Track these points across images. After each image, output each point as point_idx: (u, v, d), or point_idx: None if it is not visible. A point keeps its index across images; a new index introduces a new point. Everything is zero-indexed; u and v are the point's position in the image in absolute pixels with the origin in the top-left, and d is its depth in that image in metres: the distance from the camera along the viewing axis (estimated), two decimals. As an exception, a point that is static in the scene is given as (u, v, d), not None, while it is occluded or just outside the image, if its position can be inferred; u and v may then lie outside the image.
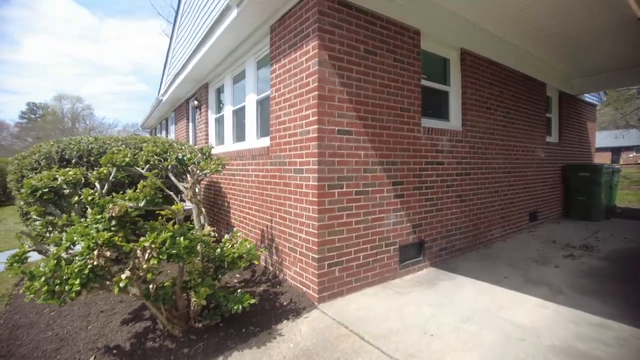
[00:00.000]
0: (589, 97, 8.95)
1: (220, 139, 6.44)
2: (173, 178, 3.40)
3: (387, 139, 3.78)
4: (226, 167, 5.54)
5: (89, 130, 47.79)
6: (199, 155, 3.68)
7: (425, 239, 4.28)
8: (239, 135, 5.54)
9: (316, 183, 3.24)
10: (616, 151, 41.23)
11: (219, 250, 2.80)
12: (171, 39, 9.14)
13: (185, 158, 3.39)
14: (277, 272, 4.05)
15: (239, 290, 2.77)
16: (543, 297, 3.32)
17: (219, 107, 6.66)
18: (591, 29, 5.20)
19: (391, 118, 3.81)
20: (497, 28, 5.04)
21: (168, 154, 3.56)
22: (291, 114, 3.64)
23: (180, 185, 3.32)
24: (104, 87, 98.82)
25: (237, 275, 4.20)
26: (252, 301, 2.65)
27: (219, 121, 6.57)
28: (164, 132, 12.60)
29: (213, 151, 6.16)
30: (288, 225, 3.77)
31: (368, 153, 3.60)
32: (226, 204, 5.74)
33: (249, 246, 2.87)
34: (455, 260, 4.60)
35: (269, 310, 3.22)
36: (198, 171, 3.34)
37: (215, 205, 6.33)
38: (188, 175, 3.35)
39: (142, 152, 3.63)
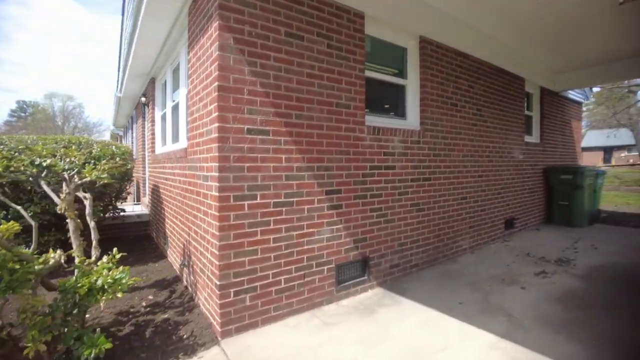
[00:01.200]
0: (573, 95, 8.40)
1: (163, 139, 5.83)
2: (45, 187, 2.80)
3: (319, 140, 3.18)
4: (164, 170, 4.95)
5: (72, 129, 46.97)
6: (77, 159, 3.08)
7: (371, 255, 3.69)
8: (175, 135, 4.93)
9: (217, 194, 2.64)
10: (608, 150, 40.96)
11: (72, 280, 2.19)
12: (122, 28, 8.46)
13: (43, 164, 2.79)
14: (194, 294, 3.45)
15: (97, 329, 2.18)
16: (497, 333, 2.74)
17: (165, 103, 6.04)
18: (572, 18, 4.65)
19: (324, 115, 3.21)
20: (465, 15, 4.47)
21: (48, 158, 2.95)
22: (200, 109, 3.04)
23: (54, 195, 2.72)
24: (98, 86, 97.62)
25: (150, 297, 3.60)
26: (107, 346, 2.05)
27: (164, 119, 5.96)
28: (129, 132, 11.95)
29: (160, 151, 5.55)
30: (199, 241, 3.18)
31: (292, 157, 3.00)
32: (162, 211, 5.13)
33: (118, 275, 2.26)
34: (409, 279, 4.02)
35: (157, 346, 2.62)
36: (77, 179, 2.74)
37: (156, 212, 5.73)
38: (64, 184, 2.75)
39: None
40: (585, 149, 47.03)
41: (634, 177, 19.28)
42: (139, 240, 6.27)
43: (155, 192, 5.80)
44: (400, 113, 4.26)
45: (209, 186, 2.82)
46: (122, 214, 6.08)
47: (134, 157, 8.16)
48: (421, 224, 4.25)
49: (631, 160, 35.65)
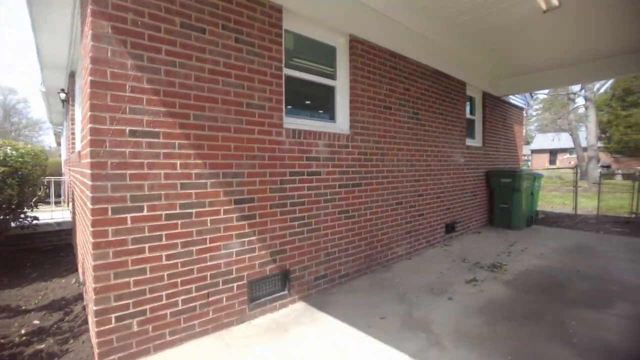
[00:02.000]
0: (515, 100, 8.66)
1: (79, 140, 5.27)
2: None
3: (225, 143, 2.88)
4: (75, 174, 4.44)
5: (17, 126, 43.40)
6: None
7: (292, 267, 3.44)
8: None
9: (90, 206, 2.27)
10: (554, 153, 43.75)
11: None
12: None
13: None
14: (88, 317, 3.04)
15: None
16: (410, 352, 2.57)
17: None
18: (501, 26, 4.66)
19: (231, 117, 2.91)
20: (401, 15, 4.34)
21: None
22: (83, 108, 2.65)
23: None
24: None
25: (35, 322, 3.13)
26: None
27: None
28: (63, 130, 11.01)
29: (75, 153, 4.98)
30: (87, 258, 2.77)
31: (190, 162, 2.68)
32: (74, 219, 4.61)
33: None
34: (336, 290, 3.81)
35: (15, 392, 2.21)
36: None
37: (73, 220, 5.17)
38: None
39: None
40: (534, 151, 50.08)
41: (572, 177, 20.52)
42: (55, 251, 5.66)
43: (73, 197, 5.24)
44: (330, 116, 4.05)
45: (87, 196, 2.44)
46: (35, 222, 5.43)
47: (61, 157, 7.42)
48: (351, 231, 4.06)
49: (572, 162, 38.18)
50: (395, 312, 3.25)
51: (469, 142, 6.84)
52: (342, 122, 4.05)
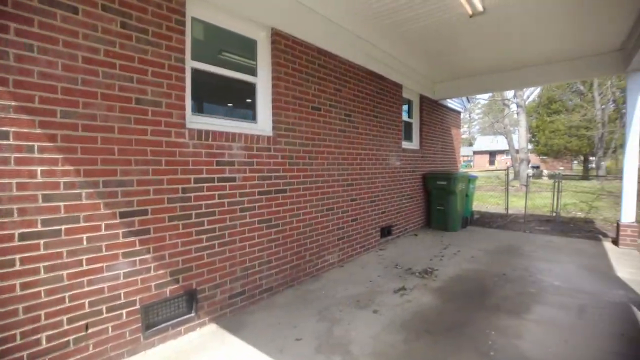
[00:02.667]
0: (452, 104, 8.92)
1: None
2: None
3: (107, 146, 2.43)
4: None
5: None
6: None
7: (201, 286, 3.05)
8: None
9: None
10: (493, 154, 47.01)
11: None
12: None
13: None
14: None
15: None
16: (320, 378, 2.32)
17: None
18: (435, 28, 4.61)
19: (115, 114, 2.47)
20: (332, 12, 4.13)
21: None
22: None
23: None
24: None
25: None
26: None
27: None
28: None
29: None
30: None
31: (57, 169, 2.20)
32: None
33: None
34: (256, 307, 3.48)
35: None
36: None
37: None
38: None
39: None
40: (476, 152, 53.44)
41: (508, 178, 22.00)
42: None
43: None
44: (250, 116, 3.72)
45: None
46: None
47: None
48: (274, 242, 3.75)
49: (508, 163, 41.18)
50: (314, 331, 2.99)
51: (406, 144, 6.85)
52: (264, 122, 3.73)
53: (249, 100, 3.73)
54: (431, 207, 7.36)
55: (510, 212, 10.11)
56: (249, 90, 3.69)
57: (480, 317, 3.22)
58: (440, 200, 7.14)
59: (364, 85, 5.22)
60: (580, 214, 9.54)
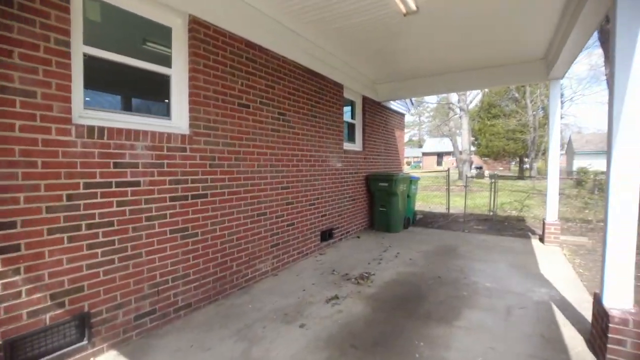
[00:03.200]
0: (395, 106, 8.98)
1: None
2: None
3: (-53, 144, 1.92)
4: None
5: None
6: None
7: (96, 308, 2.59)
8: None
9: None
10: (440, 155, 49.40)
11: None
12: None
13: None
14: None
15: None
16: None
17: None
18: (371, 27, 4.46)
19: (-40, 104, 1.97)
20: (261, 2, 3.79)
21: None
22: None
23: None
24: None
25: None
26: None
27: None
28: None
29: None
30: None
31: None
32: None
33: None
34: (168, 329, 3.07)
35: None
36: None
37: None
38: None
39: None
40: (425, 154, 55.80)
41: (453, 177, 23.10)
42: None
43: None
44: (163, 111, 3.30)
45: None
46: None
47: None
48: (192, 253, 3.35)
49: (453, 164, 43.51)
50: (229, 355, 2.66)
51: (348, 146, 6.72)
52: (179, 119, 3.32)
53: (162, 94, 3.30)
54: (374, 209, 7.30)
55: (452, 211, 10.42)
56: (163, 83, 3.26)
57: (411, 327, 3.08)
58: (382, 202, 7.10)
59: (300, 83, 4.97)
60: (514, 213, 10.08)
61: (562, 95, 28.04)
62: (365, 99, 7.31)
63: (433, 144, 56.56)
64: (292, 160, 4.79)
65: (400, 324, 3.14)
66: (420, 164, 60.57)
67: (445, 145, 46.81)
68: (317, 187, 5.43)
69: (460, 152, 18.87)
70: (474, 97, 27.96)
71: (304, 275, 4.48)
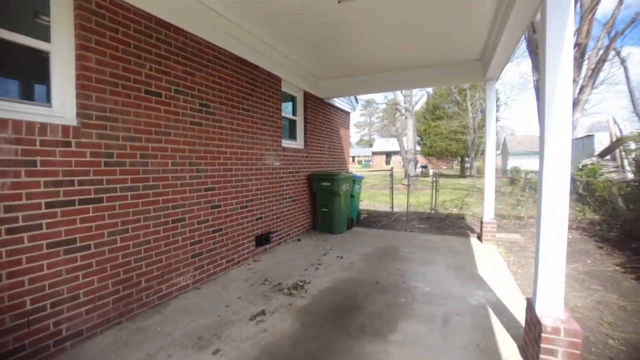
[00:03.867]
0: (340, 104, 8.77)
1: None
2: None
3: None
4: None
5: None
6: None
7: None
8: None
9: None
10: (389, 154, 50.95)
11: None
12: None
13: None
14: None
15: None
16: None
17: None
18: (307, 15, 4.09)
19: None
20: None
21: None
22: None
23: None
24: None
25: None
26: None
27: None
28: None
29: None
30: None
31: None
32: None
33: None
34: (42, 368, 2.46)
35: None
36: None
37: None
38: None
39: None
40: (374, 153, 57.26)
41: (400, 176, 23.73)
42: None
43: None
44: (42, 97, 2.65)
45: None
46: None
47: None
48: (82, 270, 2.75)
49: (401, 163, 45.03)
50: (115, 399, 2.14)
51: (288, 143, 6.33)
52: (62, 107, 2.69)
53: (37, 74, 2.66)
54: (317, 210, 6.99)
55: (396, 210, 10.48)
56: (38, 60, 2.62)
57: (342, 345, 2.76)
58: (325, 202, 6.81)
59: (228, 72, 4.47)
60: (455, 210, 10.36)
61: (497, 99, 30.13)
62: (307, 95, 6.97)
63: (382, 144, 58.16)
64: (218, 157, 4.29)
65: (330, 341, 2.81)
66: (371, 163, 62.05)
67: (393, 145, 48.31)
68: (250, 187, 4.97)
69: (406, 152, 19.35)
70: (420, 99, 29.02)
71: (231, 287, 4.01)
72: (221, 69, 4.33)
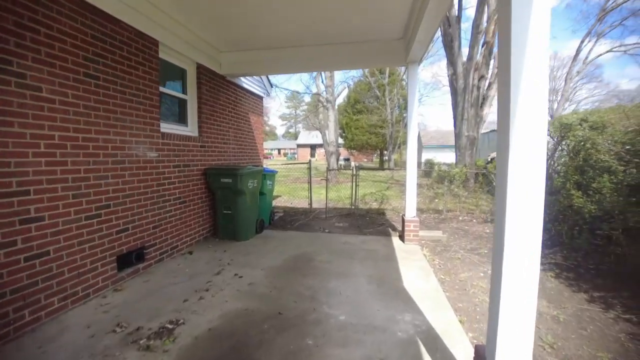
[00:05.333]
0: (249, 85, 7.49)
1: None
2: None
3: None
4: None
5: None
6: None
7: None
8: None
9: None
10: (314, 147, 50.84)
11: None
12: None
13: None
14: None
15: None
16: None
17: None
18: None
19: None
20: None
21: None
22: None
23: None
24: None
25: None
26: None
27: None
28: None
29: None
30: None
31: None
32: None
33: None
34: None
35: None
36: None
37: None
38: None
39: None
40: (300, 145, 56.91)
41: (324, 168, 23.22)
42: None
43: None
44: None
45: None
46: None
47: None
48: None
49: (324, 155, 45.19)
50: None
51: (173, 128, 4.92)
52: None
53: None
54: (217, 212, 5.70)
55: (316, 206, 9.63)
56: None
57: None
58: (226, 203, 5.55)
59: (54, 16, 2.96)
60: (375, 205, 9.87)
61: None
62: (202, 69, 5.58)
63: (307, 136, 57.86)
64: (34, 145, 2.79)
65: None
66: (296, 156, 61.40)
67: (317, 137, 48.20)
68: (105, 189, 3.52)
69: (328, 145, 18.86)
70: (341, 92, 28.92)
71: (54, 344, 2.60)
72: (41, 10, 2.80)
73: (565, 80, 22.99)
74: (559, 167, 5.63)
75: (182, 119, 5.28)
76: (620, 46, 26.06)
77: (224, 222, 5.64)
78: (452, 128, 13.11)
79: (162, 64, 4.55)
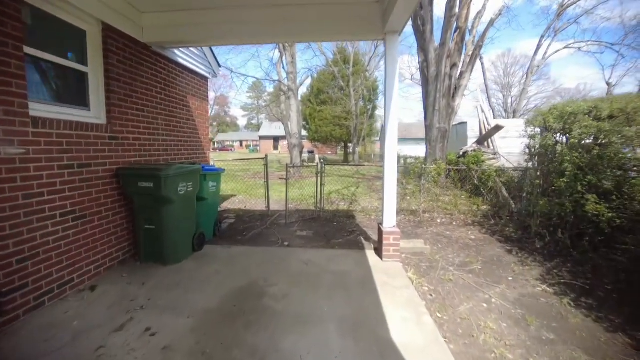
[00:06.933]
0: (189, 61, 5.99)
1: None
2: None
3: None
4: None
5: None
6: None
7: None
8: None
9: None
10: (277, 139, 49.16)
11: None
12: None
13: None
14: None
15: None
16: None
17: None
18: None
19: None
20: None
21: None
22: None
23: None
24: None
25: None
26: None
27: None
28: None
29: None
30: None
31: None
32: None
33: None
34: None
35: None
36: None
37: None
38: None
39: None
40: (262, 137, 54.99)
41: (289, 161, 21.85)
42: None
43: None
44: None
45: None
46: None
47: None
48: None
49: (287, 148, 43.70)
50: None
51: (59, 112, 3.42)
52: None
53: None
54: (137, 227, 4.26)
55: (276, 208, 8.38)
56: None
57: None
58: (148, 215, 4.14)
59: None
60: (343, 205, 8.75)
61: (379, 89, 30.83)
62: (112, 33, 4.06)
63: (269, 128, 55.90)
64: None
65: None
66: (259, 148, 59.13)
67: (280, 129, 46.58)
68: None
69: (291, 136, 17.51)
70: (304, 80, 27.53)
71: None
72: None
73: (527, 74, 23.25)
74: (558, 165, 4.76)
75: (79, 100, 3.76)
76: (574, 43, 26.94)
77: (147, 240, 4.21)
78: (413, 121, 12.31)
79: (34, 14, 3.04)
